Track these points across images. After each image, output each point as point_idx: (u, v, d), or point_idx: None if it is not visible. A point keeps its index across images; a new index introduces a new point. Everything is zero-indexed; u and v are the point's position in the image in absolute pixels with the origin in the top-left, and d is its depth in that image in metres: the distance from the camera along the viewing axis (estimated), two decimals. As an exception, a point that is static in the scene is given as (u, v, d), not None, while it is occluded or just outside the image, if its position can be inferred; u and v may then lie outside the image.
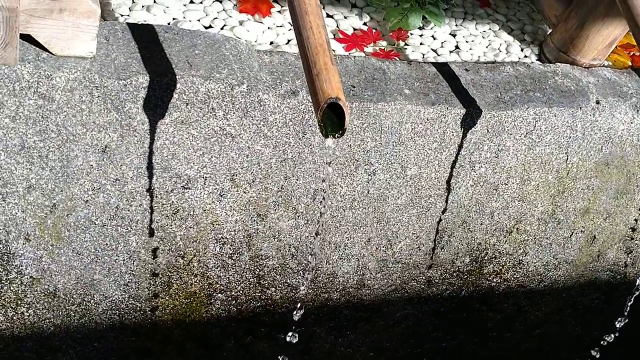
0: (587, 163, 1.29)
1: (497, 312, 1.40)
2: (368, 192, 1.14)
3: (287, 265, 1.14)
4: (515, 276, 1.37)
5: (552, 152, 1.24)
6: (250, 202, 1.05)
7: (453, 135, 1.14)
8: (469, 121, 1.14)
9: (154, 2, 1.14)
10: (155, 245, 1.02)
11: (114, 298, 1.04)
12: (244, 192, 1.04)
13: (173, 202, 1.00)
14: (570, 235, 1.37)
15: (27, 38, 0.84)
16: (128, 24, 0.97)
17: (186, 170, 0.98)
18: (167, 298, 1.07)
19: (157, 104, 0.91)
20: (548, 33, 1.41)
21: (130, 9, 1.11)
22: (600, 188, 1.34)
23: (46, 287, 0.99)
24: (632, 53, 1.47)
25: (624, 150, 1.31)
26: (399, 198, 1.17)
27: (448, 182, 1.19)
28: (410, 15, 1.31)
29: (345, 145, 1.07)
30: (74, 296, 1.01)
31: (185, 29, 1.00)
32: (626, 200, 1.38)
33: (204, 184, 1.00)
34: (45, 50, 0.85)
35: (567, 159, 1.26)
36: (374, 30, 1.28)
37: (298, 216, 1.10)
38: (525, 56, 1.38)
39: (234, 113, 0.97)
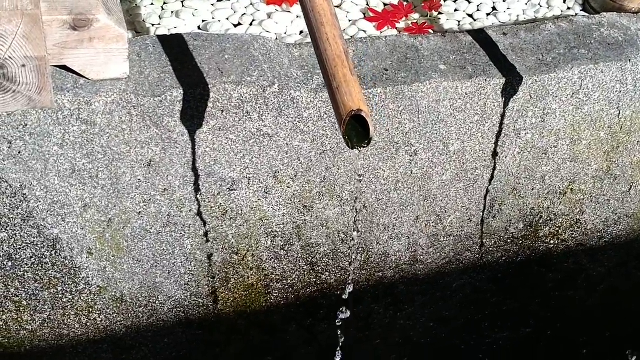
0: (642, 115, 1.24)
1: (558, 272, 1.39)
2: (411, 172, 1.14)
3: (339, 250, 1.17)
4: (573, 236, 1.35)
5: (602, 109, 1.20)
6: (295, 195, 1.08)
7: (494, 106, 1.12)
8: (509, 90, 1.11)
9: (183, 6, 1.16)
10: (209, 245, 1.06)
11: (177, 297, 1.10)
12: (288, 187, 1.06)
13: (221, 204, 1.03)
14: (629, 189, 1.33)
15: (64, 67, 0.88)
16: (158, 36, 0.99)
17: (229, 173, 1.01)
18: (226, 292, 1.12)
19: (193, 115, 0.94)
20: (593, -21, 1.34)
21: (160, 17, 1.13)
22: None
23: (113, 293, 1.05)
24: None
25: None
26: (443, 174, 1.16)
27: (494, 152, 1.17)
28: (442, -19, 1.27)
29: (383, 129, 1.07)
30: (140, 299, 1.08)
31: (213, 34, 1.02)
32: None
33: (249, 184, 1.03)
34: (82, 76, 0.89)
35: (620, 113, 1.22)
36: (405, 4, 1.25)
37: (343, 203, 1.12)
38: (569, 8, 1.32)
39: (268, 114, 0.98)
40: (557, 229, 1.32)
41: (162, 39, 0.99)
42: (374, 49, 1.09)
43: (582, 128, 1.21)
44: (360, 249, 1.19)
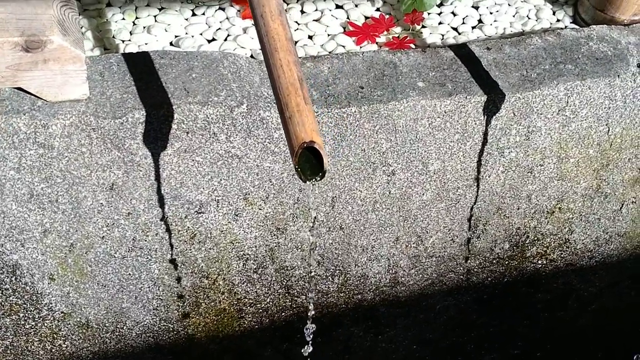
0: (633, 131, 1.19)
1: (547, 292, 1.35)
2: (389, 192, 1.10)
3: (315, 273, 1.13)
4: (562, 256, 1.30)
5: (590, 126, 1.15)
6: (267, 217, 1.04)
7: (476, 124, 1.08)
8: (491, 107, 1.07)
9: (155, 21, 1.12)
10: (178, 269, 1.03)
11: (145, 322, 1.06)
12: (260, 209, 1.03)
13: (189, 227, 1.00)
14: (621, 208, 1.28)
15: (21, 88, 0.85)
16: (123, 54, 0.96)
17: (197, 195, 0.97)
18: (197, 317, 1.09)
19: (156, 137, 0.91)
20: (583, -11, 1.30)
21: (131, 33, 1.09)
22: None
23: (78, 319, 1.02)
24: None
25: (675, 113, 1.20)
26: (423, 194, 1.12)
27: (477, 171, 1.13)
28: (425, -7, 1.23)
29: (359, 149, 1.03)
30: (107, 325, 1.04)
31: (181, 51, 0.98)
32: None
33: (218, 206, 1.00)
34: (40, 98, 0.86)
35: (609, 130, 1.17)
36: (386, 17, 1.21)
37: (319, 225, 1.08)
38: (558, 20, 1.28)
39: (237, 135, 0.95)
40: (545, 248, 1.28)
41: (128, 57, 0.96)
42: (350, 66, 1.05)
43: (569, 146, 1.16)
44: (338, 272, 1.15)
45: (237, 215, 1.02)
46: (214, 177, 0.97)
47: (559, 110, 1.11)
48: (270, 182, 1.01)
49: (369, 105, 1.00)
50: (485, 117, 1.08)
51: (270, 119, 0.96)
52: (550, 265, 1.31)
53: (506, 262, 1.27)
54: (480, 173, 1.13)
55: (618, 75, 1.12)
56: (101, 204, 0.93)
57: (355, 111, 1.00)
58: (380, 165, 1.06)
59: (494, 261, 1.25)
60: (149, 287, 1.03)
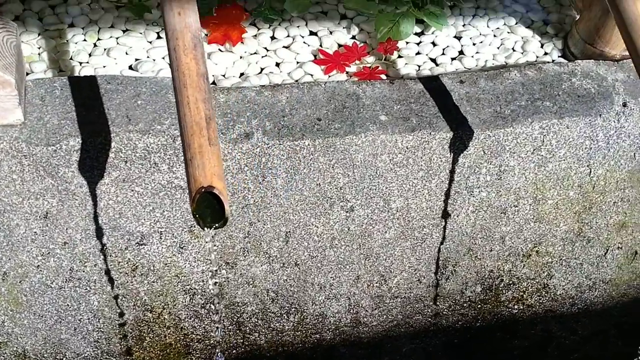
0: (618, 174, 1.12)
1: (524, 339, 1.27)
2: (348, 229, 1.04)
3: (268, 310, 1.08)
4: (541, 301, 1.23)
5: (569, 166, 1.08)
6: (215, 251, 0.99)
7: (442, 161, 1.02)
8: (458, 145, 1.01)
9: (117, 43, 1.09)
10: (119, 302, 0.99)
11: (86, 355, 1.02)
12: (206, 242, 0.98)
13: (129, 259, 0.96)
14: (605, 254, 1.21)
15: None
16: (69, 78, 0.93)
17: (137, 227, 0.93)
18: (141, 351, 1.04)
19: (92, 165, 0.87)
20: (574, 21, 1.23)
21: (90, 55, 1.06)
22: (639, 199, 1.16)
23: (14, 349, 0.98)
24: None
25: (664, 155, 1.13)
26: (386, 232, 1.06)
27: (444, 210, 1.07)
28: (402, 22, 1.18)
29: (314, 184, 0.98)
30: (45, 355, 1.00)
31: (130, 76, 0.95)
32: (673, 210, 1.20)
33: (160, 238, 0.95)
34: (-28, 121, 0.83)
35: (591, 172, 1.10)
36: (360, 45, 1.16)
37: (272, 260, 1.03)
38: (546, 53, 1.21)
39: (180, 165, 0.90)
40: (521, 293, 1.21)
41: (73, 81, 0.92)
42: (310, 96, 1.00)
43: (546, 187, 1.09)
44: (294, 310, 1.09)
45: (182, 248, 0.97)
46: (156, 208, 0.93)
47: (534, 150, 1.05)
48: (218, 215, 0.96)
49: (324, 138, 0.95)
50: (452, 154, 1.02)
51: (216, 150, 0.91)
52: (528, 310, 1.23)
53: (479, 306, 1.20)
54: (447, 212, 1.07)
55: (600, 115, 1.05)
56: (35, 232, 0.90)
57: (309, 144, 0.95)
58: (338, 200, 1.01)
59: (465, 304, 1.19)
60: (88, 318, 0.99)
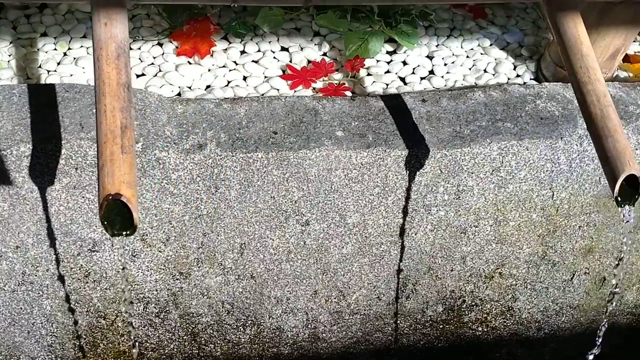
0: (582, 198, 1.11)
1: (489, 362, 1.26)
2: (304, 243, 1.05)
3: (224, 322, 1.08)
4: (506, 324, 1.21)
5: (531, 189, 1.08)
6: (168, 260, 1.00)
7: (398, 178, 1.02)
8: (414, 163, 1.01)
9: (87, 53, 1.12)
10: (72, 307, 1.00)
11: (40, 359, 1.03)
12: (160, 252, 0.99)
13: (82, 265, 0.97)
14: (572, 278, 1.19)
15: None
16: (28, 85, 0.95)
17: (89, 233, 0.95)
18: (96, 357, 1.05)
19: (43, 171, 0.89)
20: (548, 44, 1.23)
21: (58, 63, 1.09)
22: (606, 224, 1.15)
23: (-32, 350, 1.00)
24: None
25: (629, 180, 1.11)
26: (343, 248, 1.06)
27: (401, 228, 1.07)
28: (370, 40, 1.19)
29: (268, 196, 0.99)
30: (-2, 358, 1.02)
31: (89, 85, 0.97)
32: (642, 236, 1.18)
33: (112, 245, 0.97)
34: None
35: (553, 195, 1.09)
36: (328, 62, 1.17)
37: (227, 272, 1.04)
38: (518, 75, 1.21)
39: (130, 174, 0.92)
40: (485, 315, 1.20)
41: (32, 88, 0.95)
42: (269, 110, 1.02)
43: (507, 208, 1.09)
44: (250, 323, 1.10)
45: (134, 257, 0.98)
46: (108, 215, 0.94)
47: (493, 170, 1.04)
48: (171, 224, 0.97)
49: (277, 151, 0.96)
50: (408, 172, 1.02)
51: (168, 159, 0.93)
52: (492, 333, 1.22)
53: (440, 326, 1.19)
54: (405, 230, 1.07)
55: (561, 138, 1.05)
56: (-13, 235, 0.92)
57: (262, 157, 0.96)
58: (293, 214, 1.02)
59: (427, 324, 1.18)
60: (41, 323, 1.00)
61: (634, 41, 1.33)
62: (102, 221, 0.59)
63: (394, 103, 1.06)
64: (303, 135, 0.99)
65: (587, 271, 1.19)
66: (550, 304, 1.21)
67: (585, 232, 1.15)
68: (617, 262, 1.17)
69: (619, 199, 0.68)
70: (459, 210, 1.07)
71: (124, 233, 0.61)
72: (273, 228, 1.02)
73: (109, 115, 0.60)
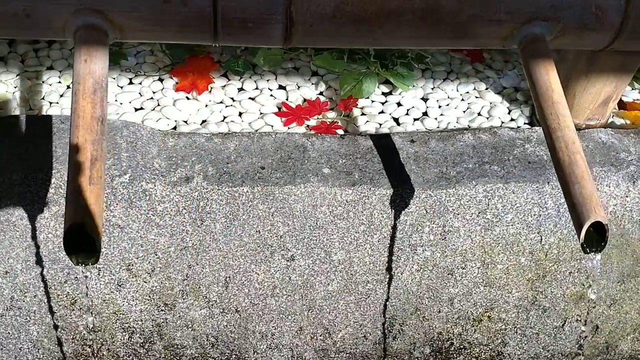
0: (572, 243, 1.10)
1: (479, 407, 1.23)
2: (290, 278, 1.05)
3: (209, 355, 1.09)
4: (495, 369, 1.20)
5: (518, 232, 1.08)
6: (153, 291, 1.02)
7: (383, 217, 1.03)
8: (399, 202, 1.02)
9: (89, 85, 1.16)
10: (58, 334, 1.02)
11: (25, 384, 1.05)
12: (145, 282, 1.01)
13: (69, 292, 0.99)
14: (563, 325, 1.18)
15: None
16: (27, 116, 0.99)
17: (76, 261, 0.97)
18: (79, 385, 1.07)
19: (33, 199, 0.92)
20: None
21: (61, 95, 1.13)
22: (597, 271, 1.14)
23: (-45, 372, 1.02)
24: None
25: (622, 227, 1.11)
26: (328, 284, 1.07)
27: (387, 267, 1.07)
28: (364, 80, 1.21)
29: (253, 230, 1.01)
30: (-16, 381, 1.04)
31: (84, 118, 1.00)
32: (636, 285, 1.16)
33: (99, 274, 0.99)
34: None
35: (542, 239, 1.09)
36: (323, 100, 1.20)
37: (211, 305, 1.05)
38: (512, 119, 1.22)
39: (117, 204, 0.94)
40: (473, 358, 1.18)
41: (30, 119, 0.99)
42: (259, 145, 1.04)
43: (495, 251, 1.09)
44: (234, 357, 1.10)
45: (120, 286, 1.00)
46: (95, 244, 0.96)
47: (479, 213, 1.05)
48: (156, 255, 0.99)
49: (263, 186, 0.98)
50: (393, 211, 1.03)
51: (154, 191, 0.95)
52: (482, 378, 1.20)
53: (428, 369, 1.18)
54: (392, 269, 1.07)
55: (548, 182, 1.05)
56: (-22, 259, 0.94)
57: (247, 191, 0.98)
58: (279, 249, 1.03)
59: (414, 366, 1.17)
60: (28, 348, 1.02)
61: (634, 89, 1.33)
62: (65, 249, 0.61)
63: (383, 142, 1.08)
64: (290, 171, 1.00)
65: (579, 318, 1.17)
66: (541, 350, 1.19)
67: (576, 279, 1.14)
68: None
69: (585, 245, 0.68)
70: (445, 251, 1.07)
71: (87, 262, 0.62)
72: (258, 262, 1.03)
73: (81, 147, 0.63)
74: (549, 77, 0.74)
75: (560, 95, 0.71)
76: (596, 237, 0.68)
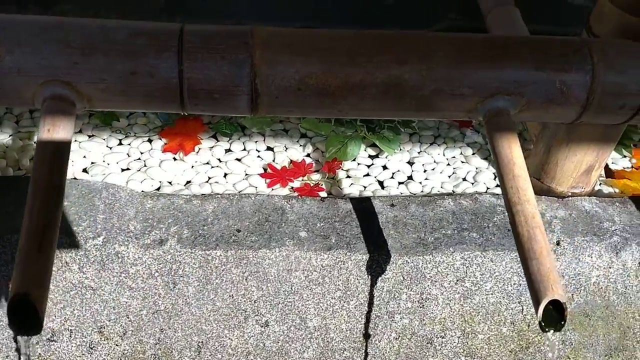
0: (556, 313, 1.07)
1: None
2: (264, 345, 1.04)
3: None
4: None
5: (499, 301, 1.05)
6: (125, 355, 1.01)
7: (359, 283, 1.02)
8: (375, 268, 1.01)
9: (79, 147, 1.18)
10: (28, 395, 1.01)
11: None
12: (116, 345, 1.00)
13: (40, 354, 0.99)
14: (550, 398, 1.13)
15: None
16: (8, 177, 1.01)
17: (48, 322, 0.97)
18: None
19: (7, 260, 0.93)
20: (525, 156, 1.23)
21: (48, 154, 1.16)
22: (583, 343, 1.10)
23: None
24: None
25: (606, 299, 1.08)
26: (304, 352, 1.05)
27: (365, 334, 1.05)
28: (349, 143, 1.22)
29: (226, 295, 1.00)
30: None
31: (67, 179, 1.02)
32: (624, 359, 1.12)
33: (70, 336, 0.98)
34: None
35: (523, 309, 1.06)
36: (309, 162, 1.21)
37: (184, 369, 1.04)
38: (497, 185, 1.21)
39: (89, 266, 0.95)
40: None
41: (11, 180, 1.01)
42: (237, 208, 1.04)
43: (475, 320, 1.06)
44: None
45: (91, 349, 1.00)
46: (67, 306, 0.96)
47: (457, 280, 1.03)
48: (128, 317, 0.99)
49: (237, 250, 0.98)
50: (370, 277, 1.02)
51: (127, 254, 0.95)
52: None
53: None
54: (369, 336, 1.06)
55: (529, 250, 1.03)
56: (-50, 318, 0.95)
57: (221, 254, 0.98)
58: (253, 314, 1.02)
59: None
60: (-3, 409, 1.02)
61: (624, 156, 1.32)
62: (9, 319, 0.61)
63: (363, 206, 1.07)
64: (266, 234, 1.00)
65: (567, 391, 1.14)
66: None
67: (560, 351, 1.10)
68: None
69: (543, 324, 0.66)
70: (423, 319, 1.05)
71: (31, 333, 0.62)
72: (232, 327, 1.02)
73: (34, 215, 0.63)
74: (511, 150, 0.73)
75: (521, 169, 0.71)
76: (556, 316, 0.67)
